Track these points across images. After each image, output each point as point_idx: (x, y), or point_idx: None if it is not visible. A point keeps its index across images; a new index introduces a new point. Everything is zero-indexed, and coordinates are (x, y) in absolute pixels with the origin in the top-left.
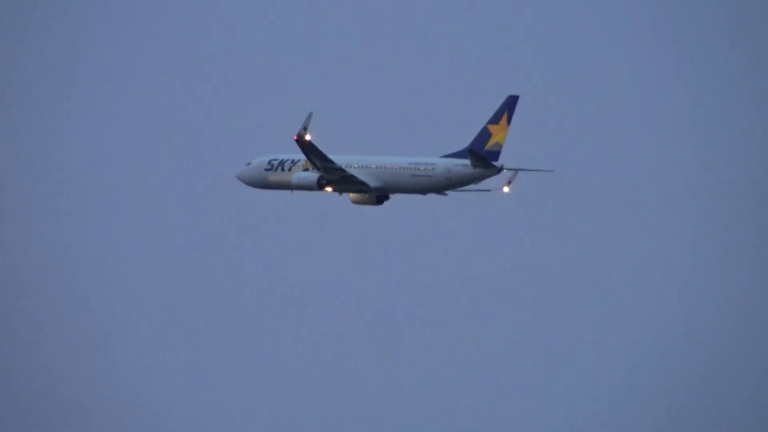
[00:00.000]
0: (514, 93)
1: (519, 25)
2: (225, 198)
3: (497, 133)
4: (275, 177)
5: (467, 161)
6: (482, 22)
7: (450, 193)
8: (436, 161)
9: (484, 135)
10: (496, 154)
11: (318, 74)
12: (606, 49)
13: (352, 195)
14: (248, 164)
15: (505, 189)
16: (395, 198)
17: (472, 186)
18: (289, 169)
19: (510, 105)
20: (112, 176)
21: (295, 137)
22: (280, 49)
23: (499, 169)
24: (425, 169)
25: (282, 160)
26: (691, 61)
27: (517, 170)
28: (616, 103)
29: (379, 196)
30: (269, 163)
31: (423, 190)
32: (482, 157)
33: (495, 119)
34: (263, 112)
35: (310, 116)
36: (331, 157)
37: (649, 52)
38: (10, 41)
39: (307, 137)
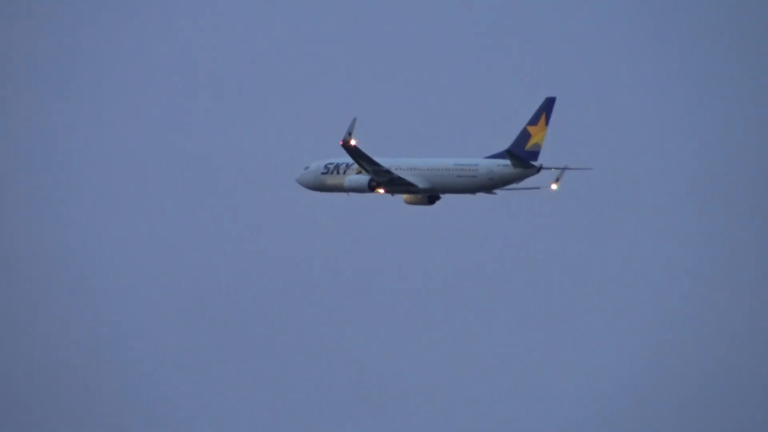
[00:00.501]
0: (551, 95)
1: (555, 28)
2: (286, 201)
3: (536, 134)
4: (331, 180)
5: (508, 162)
6: (520, 27)
7: (499, 191)
8: (479, 162)
9: (524, 136)
10: (535, 154)
11: (367, 80)
12: (638, 50)
13: (404, 196)
14: (306, 168)
15: (553, 186)
16: (446, 198)
17: (521, 184)
18: (344, 173)
19: (548, 106)
20: (178, 181)
21: (341, 142)
22: (330, 57)
23: (539, 169)
24: (469, 169)
25: (337, 164)
26: (725, 60)
27: (563, 169)
28: (648, 101)
29: (431, 196)
30: (325, 167)
31: (468, 189)
32: (520, 158)
33: (534, 120)
34: (319, 116)
35: (354, 122)
36: (380, 159)
37: (682, 50)
38: (12, 42)
39: (353, 142)
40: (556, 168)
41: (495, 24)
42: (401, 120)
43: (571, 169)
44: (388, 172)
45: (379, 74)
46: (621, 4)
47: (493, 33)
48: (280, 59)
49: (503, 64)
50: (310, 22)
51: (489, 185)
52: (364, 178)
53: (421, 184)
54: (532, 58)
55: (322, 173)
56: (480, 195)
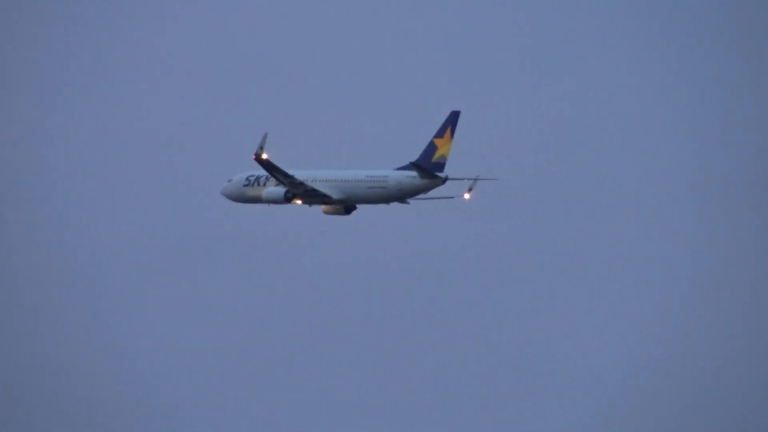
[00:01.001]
0: (456, 108)
1: (461, 46)
2: (209, 212)
3: (442, 146)
4: (252, 192)
5: (416, 173)
6: (429, 45)
7: (413, 201)
8: (389, 174)
9: (431, 148)
10: (441, 166)
11: (284, 96)
12: (538, 64)
13: (323, 206)
14: (229, 180)
15: (466, 196)
16: (362, 207)
17: (435, 193)
18: (264, 185)
19: (453, 120)
20: (118, 188)
21: (254, 156)
22: (249, 73)
23: (444, 180)
24: (380, 181)
25: (258, 176)
26: (619, 70)
27: (475, 179)
28: (547, 113)
29: (347, 206)
30: (247, 179)
31: (380, 200)
32: (426, 169)
33: (440, 133)
34: (241, 130)
35: (265, 137)
36: (295, 172)
37: (577, 65)
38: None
39: (264, 156)
40: (461, 179)
41: (404, 41)
42: (317, 134)
43: (479, 179)
44: (302, 184)
45: (294, 90)
46: (522, 20)
47: (401, 50)
48: (204, 72)
49: (411, 79)
50: (236, 35)
51: (399, 196)
52: (280, 190)
53: (335, 195)
54: (438, 73)
55: (244, 185)
56: (394, 204)
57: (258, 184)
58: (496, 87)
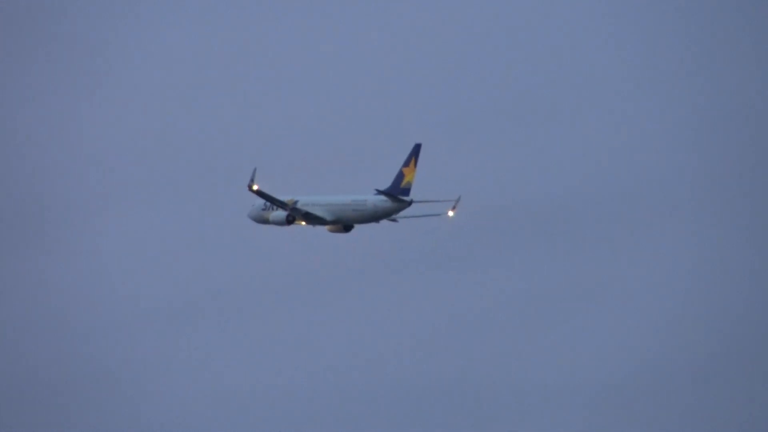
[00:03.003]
0: (418, 141)
1: (422, 83)
2: (236, 233)
3: (408, 174)
4: (267, 215)
5: (387, 198)
6: (392, 83)
7: (402, 219)
8: (368, 198)
9: (400, 175)
10: (407, 191)
11: (281, 132)
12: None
13: (327, 226)
14: (253, 205)
15: (450, 213)
16: (359, 227)
17: (423, 211)
18: (276, 209)
19: (416, 151)
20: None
21: (248, 188)
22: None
23: (410, 203)
24: (360, 204)
25: None
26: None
27: (457, 199)
28: (494, 140)
29: (346, 225)
30: (264, 204)
31: (361, 220)
32: (391, 195)
33: (406, 162)
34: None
35: (254, 171)
36: (298, 197)
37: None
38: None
39: (255, 187)
40: (424, 201)
41: (376, 83)
42: (313, 165)
43: (460, 200)
44: (296, 208)
45: (280, 119)
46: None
47: (374, 91)
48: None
49: (380, 115)
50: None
51: (375, 217)
52: (283, 214)
53: (328, 216)
54: (404, 110)
55: (262, 209)
56: (384, 222)
57: (272, 209)
58: (455, 120)
